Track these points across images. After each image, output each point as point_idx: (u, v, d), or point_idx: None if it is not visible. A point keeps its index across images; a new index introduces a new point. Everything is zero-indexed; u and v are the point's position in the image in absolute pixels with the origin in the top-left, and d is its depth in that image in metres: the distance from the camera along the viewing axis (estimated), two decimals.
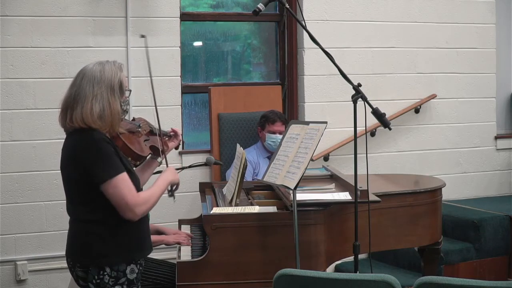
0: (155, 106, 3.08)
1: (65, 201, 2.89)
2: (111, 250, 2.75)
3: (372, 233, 3.25)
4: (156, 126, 3.14)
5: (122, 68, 2.87)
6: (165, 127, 4.39)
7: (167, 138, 3.30)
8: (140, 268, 2.85)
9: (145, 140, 3.09)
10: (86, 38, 4.70)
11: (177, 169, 3.69)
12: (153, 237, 3.57)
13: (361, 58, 5.42)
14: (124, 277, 2.77)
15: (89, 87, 2.75)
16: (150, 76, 3.08)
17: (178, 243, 3.50)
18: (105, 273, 2.74)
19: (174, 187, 3.06)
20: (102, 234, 2.75)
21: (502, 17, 6.01)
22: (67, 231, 2.91)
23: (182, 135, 4.96)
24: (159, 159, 3.23)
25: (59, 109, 2.83)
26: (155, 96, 3.10)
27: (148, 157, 3.16)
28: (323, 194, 3.42)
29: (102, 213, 2.75)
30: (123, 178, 2.71)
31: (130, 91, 2.90)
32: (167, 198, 3.05)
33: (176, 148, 3.46)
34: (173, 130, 3.33)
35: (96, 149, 2.70)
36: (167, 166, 3.10)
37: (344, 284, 2.40)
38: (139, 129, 3.05)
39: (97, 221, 2.75)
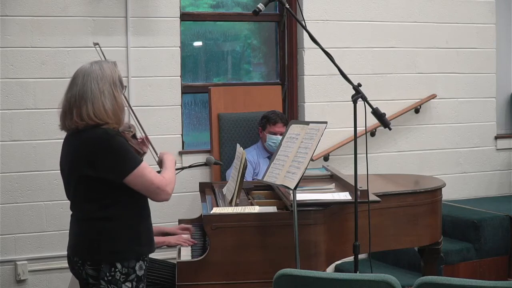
0: (130, 107, 3.12)
1: (65, 201, 2.89)
2: (122, 247, 2.78)
3: (372, 233, 3.25)
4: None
5: (116, 65, 2.92)
6: (166, 128, 4.42)
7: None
8: (147, 264, 2.89)
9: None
10: (86, 38, 4.70)
11: (177, 169, 3.70)
12: (157, 239, 3.57)
13: (361, 58, 5.42)
14: (134, 273, 2.80)
15: (94, 85, 2.78)
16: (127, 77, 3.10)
17: (180, 245, 3.50)
18: (117, 269, 2.77)
19: None
20: (113, 230, 2.78)
21: (502, 17, 6.01)
22: (67, 231, 2.91)
23: (182, 135, 4.99)
24: None
25: (59, 110, 2.83)
26: (127, 97, 3.12)
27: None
28: (323, 194, 3.42)
29: (112, 210, 2.78)
30: (145, 166, 2.79)
31: (126, 86, 2.94)
32: None
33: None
34: (140, 139, 3.33)
35: (112, 145, 2.74)
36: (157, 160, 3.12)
37: (344, 284, 2.40)
38: (130, 129, 3.09)
39: (107, 218, 2.78)
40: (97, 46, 3.16)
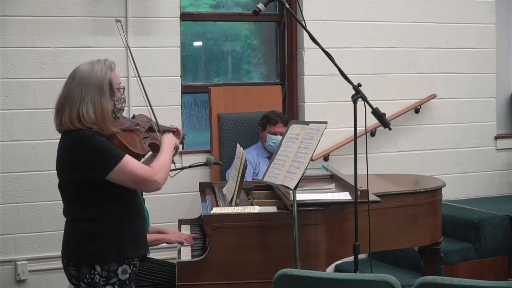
0: (149, 104, 3.09)
1: None
2: (102, 249, 2.75)
3: (372, 233, 3.25)
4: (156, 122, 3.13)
5: (113, 67, 2.84)
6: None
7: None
8: (134, 268, 2.83)
9: (144, 138, 3.06)
10: (86, 38, 4.70)
11: (177, 169, 3.69)
12: (155, 236, 3.58)
13: (361, 58, 5.42)
14: (115, 277, 2.76)
15: (78, 89, 2.74)
16: (138, 76, 3.06)
17: (180, 243, 3.50)
18: (96, 272, 2.74)
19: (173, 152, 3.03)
20: (94, 232, 2.75)
21: (502, 17, 6.01)
22: None
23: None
24: None
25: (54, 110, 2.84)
26: (147, 94, 3.10)
27: (149, 155, 3.14)
28: (323, 194, 3.42)
29: (96, 211, 2.76)
30: (127, 160, 2.72)
31: (124, 88, 2.89)
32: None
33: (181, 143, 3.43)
34: (175, 128, 3.31)
35: (89, 145, 2.69)
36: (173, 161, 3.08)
37: (344, 284, 2.40)
38: (138, 127, 3.02)
39: (90, 219, 2.76)
40: (118, 22, 3.08)
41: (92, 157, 2.70)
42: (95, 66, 2.79)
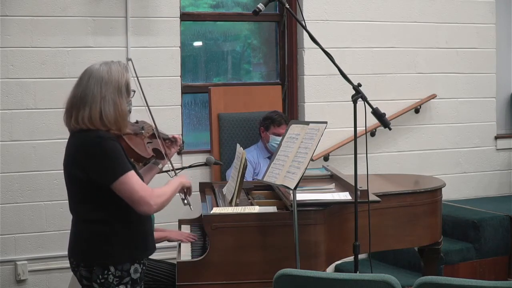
0: (147, 105, 3.09)
1: (65, 201, 2.89)
2: (115, 250, 2.76)
3: (372, 233, 3.26)
4: (159, 129, 3.15)
5: (128, 69, 2.87)
6: (166, 128, 4.38)
7: (169, 143, 3.31)
8: (144, 267, 2.85)
9: (147, 143, 3.08)
10: (86, 38, 4.70)
11: (177, 169, 3.70)
12: (157, 233, 3.58)
13: (361, 58, 5.42)
14: (128, 276, 2.77)
15: (97, 88, 2.74)
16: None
17: (181, 241, 3.51)
18: (110, 272, 2.74)
19: (186, 193, 3.10)
20: (106, 233, 2.75)
21: (502, 17, 6.01)
22: (67, 231, 2.91)
23: (182, 135, 4.99)
24: (159, 165, 3.24)
25: (63, 109, 2.83)
26: (145, 96, 3.11)
27: (150, 161, 3.16)
28: (323, 194, 3.42)
29: (106, 212, 2.76)
30: (132, 174, 2.73)
31: (134, 91, 2.91)
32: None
33: (178, 153, 3.47)
34: (173, 137, 3.33)
35: (102, 149, 2.70)
36: (172, 168, 3.11)
37: (344, 284, 2.40)
38: (142, 131, 3.04)
39: (101, 220, 2.76)
40: (130, 61, 3.12)
41: (102, 162, 2.70)
42: (112, 67, 2.80)
